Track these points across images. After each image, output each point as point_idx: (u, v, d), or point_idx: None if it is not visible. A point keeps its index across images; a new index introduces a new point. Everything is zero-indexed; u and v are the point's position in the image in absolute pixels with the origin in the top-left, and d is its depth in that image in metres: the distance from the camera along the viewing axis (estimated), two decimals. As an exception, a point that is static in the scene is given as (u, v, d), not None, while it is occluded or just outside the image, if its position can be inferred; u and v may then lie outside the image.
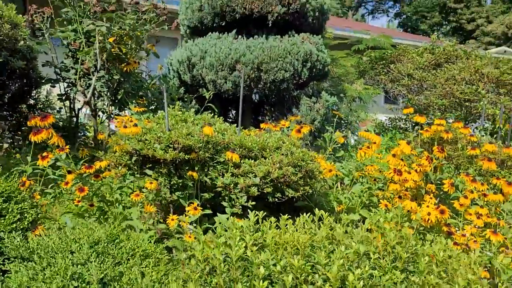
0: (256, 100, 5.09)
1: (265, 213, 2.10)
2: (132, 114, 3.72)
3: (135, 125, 2.42)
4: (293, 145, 2.85)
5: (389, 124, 6.30)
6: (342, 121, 4.64)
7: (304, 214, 1.98)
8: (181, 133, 2.47)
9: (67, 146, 2.41)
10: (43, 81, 3.94)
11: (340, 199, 3.02)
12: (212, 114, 3.99)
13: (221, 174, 2.65)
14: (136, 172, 2.50)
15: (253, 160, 2.64)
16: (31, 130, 4.13)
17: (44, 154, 2.25)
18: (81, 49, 3.60)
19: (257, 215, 1.95)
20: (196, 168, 2.53)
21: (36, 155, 3.74)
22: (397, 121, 6.20)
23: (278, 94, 4.50)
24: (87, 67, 3.37)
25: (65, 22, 3.91)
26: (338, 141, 3.65)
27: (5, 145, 4.58)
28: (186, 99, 4.33)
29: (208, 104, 4.26)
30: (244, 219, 2.34)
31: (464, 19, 29.22)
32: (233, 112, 5.48)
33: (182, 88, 4.22)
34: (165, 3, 3.57)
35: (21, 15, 3.44)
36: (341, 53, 6.09)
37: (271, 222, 1.93)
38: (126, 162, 2.43)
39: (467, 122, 5.12)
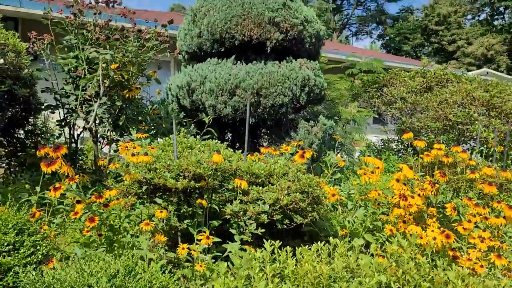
0: (252, 123, 5.14)
1: (271, 239, 2.11)
2: (133, 139, 3.73)
3: (146, 153, 2.43)
4: (299, 170, 2.89)
5: (381, 145, 6.40)
6: (337, 143, 4.71)
7: (308, 238, 2.01)
8: (190, 161, 2.49)
9: (77, 176, 2.40)
10: (43, 107, 3.93)
11: (343, 223, 3.06)
12: (211, 138, 4.03)
13: (229, 201, 2.66)
14: (145, 201, 2.50)
15: (260, 187, 2.67)
16: (32, 156, 4.08)
17: (57, 185, 2.24)
18: (83, 76, 3.62)
19: (273, 244, 1.96)
20: (205, 196, 2.54)
21: (38, 182, 3.70)
22: (390, 142, 6.31)
23: (276, 117, 4.55)
24: (90, 94, 3.38)
25: (65, 49, 3.93)
26: (338, 164, 3.70)
27: (0, 171, 4.52)
28: (185, 124, 4.36)
29: (208, 128, 4.29)
30: (254, 246, 2.36)
31: (445, 40, 30.10)
32: (229, 135, 5.51)
33: (182, 113, 4.25)
34: (167, 30, 3.63)
35: (23, 43, 3.45)
36: (335, 77, 6.23)
37: (286, 251, 1.94)
38: (137, 191, 2.43)
39: (458, 144, 5.25)
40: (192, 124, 4.48)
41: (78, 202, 2.37)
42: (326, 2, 31.55)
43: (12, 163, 4.34)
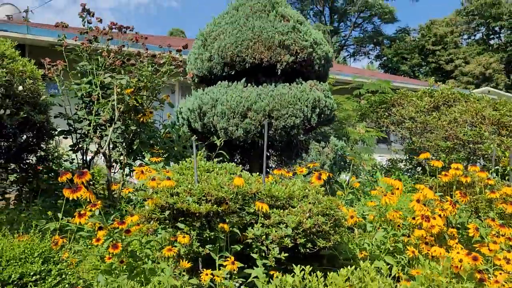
0: (261, 145, 5.14)
1: (291, 263, 2.08)
2: (146, 163, 3.71)
3: (168, 178, 2.41)
4: (318, 192, 2.87)
5: (389, 165, 6.39)
6: (347, 164, 4.71)
7: (327, 261, 1.97)
8: (212, 184, 2.47)
9: (99, 202, 2.38)
10: (57, 132, 3.93)
11: (362, 245, 3.02)
12: (223, 160, 4.02)
13: (250, 224, 2.63)
14: (167, 226, 2.47)
15: (281, 210, 2.65)
16: (44, 182, 4.05)
17: (82, 211, 2.21)
18: (97, 101, 3.63)
19: (303, 269, 1.93)
20: (227, 220, 2.52)
21: (51, 208, 3.67)
22: (397, 162, 6.30)
23: (286, 139, 4.56)
24: (105, 119, 3.39)
25: (79, 75, 3.96)
26: (353, 185, 3.68)
27: (10, 195, 4.48)
28: (197, 147, 4.35)
29: (220, 151, 4.29)
30: (279, 271, 2.32)
31: (442, 60, 30.48)
32: (238, 156, 5.50)
33: (194, 136, 4.24)
34: (182, 55, 3.67)
35: (39, 69, 3.47)
36: (342, 97, 6.27)
37: (317, 276, 1.91)
38: (159, 216, 2.40)
39: (469, 162, 5.24)
40: (203, 147, 4.48)
41: (100, 228, 2.34)
42: (324, 24, 32.09)
43: (24, 189, 4.31)
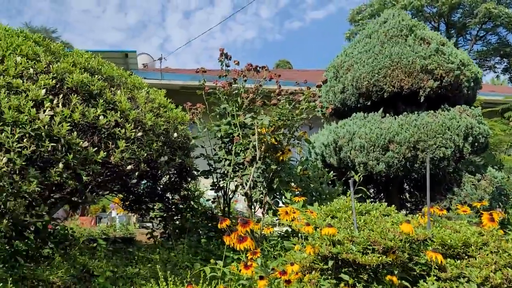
0: (391, 177, 4.74)
1: None
2: (286, 203, 3.62)
3: (329, 225, 2.24)
4: (497, 239, 2.43)
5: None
6: (509, 198, 4.05)
7: None
8: (377, 232, 2.23)
9: (259, 250, 2.30)
10: (199, 173, 4.07)
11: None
12: (362, 197, 3.75)
13: (420, 276, 2.32)
14: (330, 277, 2.28)
15: (455, 260, 2.28)
16: (187, 221, 4.19)
17: (249, 263, 2.15)
18: (237, 141, 3.68)
19: None
20: (396, 272, 2.24)
21: (197, 248, 3.74)
22: None
23: (433, 172, 4.11)
24: (248, 159, 3.39)
25: (217, 116, 4.09)
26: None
27: (156, 233, 4.74)
28: (334, 182, 4.15)
29: (359, 187, 4.02)
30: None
31: None
32: (371, 191, 5.15)
33: (332, 172, 4.06)
34: (321, 91, 3.56)
35: (187, 115, 3.66)
36: (490, 121, 5.57)
37: None
38: (322, 266, 2.23)
39: None
40: (337, 183, 4.26)
41: (261, 278, 2.24)
42: (440, 41, 29.96)
43: (168, 227, 4.52)
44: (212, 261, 2.47)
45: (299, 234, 2.81)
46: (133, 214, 7.00)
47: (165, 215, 4.47)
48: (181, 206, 4.55)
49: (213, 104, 4.06)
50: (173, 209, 4.56)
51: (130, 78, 3.13)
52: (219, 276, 2.40)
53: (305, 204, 3.50)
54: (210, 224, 4.28)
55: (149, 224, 6.92)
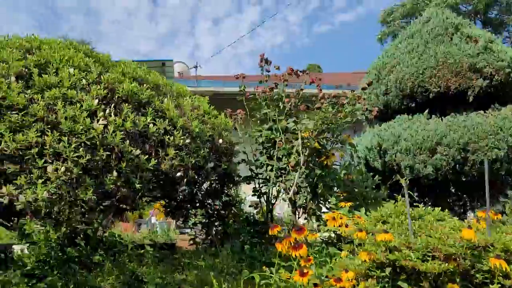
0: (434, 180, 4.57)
1: None
2: (331, 208, 3.55)
3: (385, 231, 2.17)
4: None
5: None
6: None
7: None
8: (436, 238, 2.14)
9: (312, 257, 2.25)
10: (241, 179, 4.06)
11: None
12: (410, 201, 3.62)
13: (481, 285, 2.20)
14: (387, 285, 2.21)
15: (520, 267, 2.15)
16: (228, 227, 4.18)
17: (305, 270, 2.10)
18: (279, 146, 3.65)
19: None
20: (457, 280, 2.14)
21: (240, 253, 3.72)
22: None
23: (480, 175, 3.94)
24: (292, 164, 3.35)
25: (258, 122, 4.07)
26: None
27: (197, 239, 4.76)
28: (379, 186, 4.05)
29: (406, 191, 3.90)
30: None
31: None
32: (415, 195, 4.99)
33: (377, 176, 3.95)
34: (364, 93, 3.48)
35: (229, 121, 3.67)
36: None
37: None
38: (379, 274, 2.16)
39: None
40: (382, 187, 4.15)
41: (316, 285, 2.19)
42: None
43: (210, 232, 4.53)
44: (264, 268, 2.43)
45: (346, 240, 2.75)
46: (173, 220, 7.08)
47: (207, 221, 4.49)
48: (222, 212, 4.56)
49: (253, 110, 4.05)
50: (215, 215, 4.57)
51: (174, 86, 3.17)
52: (272, 283, 2.37)
53: (351, 210, 3.43)
54: (252, 230, 4.26)
55: (187, 230, 6.98)
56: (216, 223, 4.50)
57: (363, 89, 3.33)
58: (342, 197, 3.74)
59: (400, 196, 4.01)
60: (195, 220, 4.67)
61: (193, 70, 10.41)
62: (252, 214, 4.52)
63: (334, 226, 2.86)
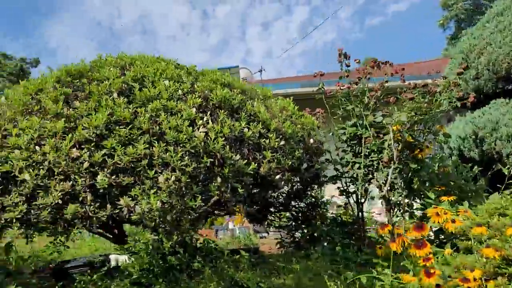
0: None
1: None
2: (430, 204, 3.34)
3: (515, 225, 1.98)
4: None
5: None
6: None
7: None
8: None
9: (432, 256, 2.11)
10: (327, 179, 3.97)
11: None
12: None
13: None
14: (519, 284, 2.01)
15: None
16: (315, 229, 4.09)
17: (431, 270, 1.97)
18: (368, 143, 3.51)
19: None
20: None
21: (332, 256, 3.61)
22: None
23: None
24: (386, 160, 3.20)
25: (340, 119, 3.96)
26: None
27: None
28: (476, 178, 3.76)
29: (509, 181, 3.58)
30: None
31: None
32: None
33: (476, 167, 3.67)
34: (460, 79, 3.25)
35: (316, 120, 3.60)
36: None
37: None
38: (511, 271, 1.97)
39: None
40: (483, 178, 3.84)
41: (438, 286, 2.04)
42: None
43: (296, 235, 4.47)
44: (379, 269, 2.32)
45: (452, 237, 2.56)
46: (251, 224, 7.11)
47: (292, 223, 4.43)
48: (308, 214, 4.48)
49: (333, 107, 3.94)
50: (300, 217, 4.50)
51: (260, 89, 3.16)
52: (388, 285, 2.25)
53: (454, 204, 3.20)
54: (341, 231, 4.14)
55: (265, 235, 6.98)
56: (302, 226, 4.44)
57: (459, 74, 3.10)
58: (439, 192, 3.52)
59: (503, 187, 3.70)
60: (280, 223, 4.64)
61: (256, 74, 10.47)
62: (339, 215, 4.40)
63: (437, 222, 2.68)
